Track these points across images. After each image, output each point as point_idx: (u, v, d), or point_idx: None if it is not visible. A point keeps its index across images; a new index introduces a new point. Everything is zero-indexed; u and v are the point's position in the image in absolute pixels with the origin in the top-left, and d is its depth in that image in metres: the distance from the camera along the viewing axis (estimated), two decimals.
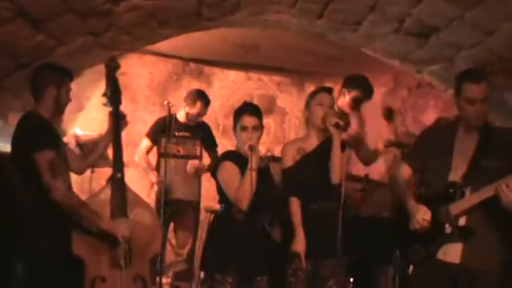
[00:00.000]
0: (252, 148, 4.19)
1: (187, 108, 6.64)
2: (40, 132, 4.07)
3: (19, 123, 4.16)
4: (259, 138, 4.38)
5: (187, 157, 6.64)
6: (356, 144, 5.51)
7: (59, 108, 4.28)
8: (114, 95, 4.41)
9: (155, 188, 6.48)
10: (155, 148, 6.72)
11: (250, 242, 4.25)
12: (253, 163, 4.18)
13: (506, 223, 3.91)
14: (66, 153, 4.33)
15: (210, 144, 6.80)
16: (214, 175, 4.43)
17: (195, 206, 6.70)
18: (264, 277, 4.36)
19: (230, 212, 4.33)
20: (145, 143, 6.68)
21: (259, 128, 4.39)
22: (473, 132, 3.98)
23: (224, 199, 4.41)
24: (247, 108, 4.43)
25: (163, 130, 6.46)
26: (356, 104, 5.85)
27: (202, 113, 6.71)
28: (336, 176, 4.41)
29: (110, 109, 4.42)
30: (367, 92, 5.88)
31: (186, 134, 6.66)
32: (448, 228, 3.92)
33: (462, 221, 3.90)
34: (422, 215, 3.96)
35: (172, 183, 6.49)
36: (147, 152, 6.68)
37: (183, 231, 6.82)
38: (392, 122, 6.08)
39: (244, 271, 4.25)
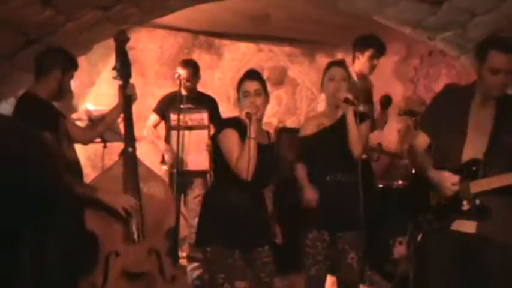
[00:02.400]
0: (249, 116, 4.05)
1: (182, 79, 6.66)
2: (34, 114, 4.02)
3: (17, 104, 4.16)
4: (263, 105, 4.23)
5: (196, 128, 6.63)
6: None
7: (60, 93, 4.27)
8: (124, 68, 4.40)
9: (166, 158, 6.50)
10: (163, 123, 6.73)
11: (243, 215, 4.15)
12: (251, 131, 4.05)
13: None
14: (67, 129, 4.32)
15: (215, 116, 6.78)
16: (214, 142, 4.34)
17: (204, 175, 6.70)
18: (265, 247, 4.28)
19: (224, 185, 4.26)
20: (153, 118, 6.71)
21: (262, 93, 4.23)
22: (490, 102, 3.87)
23: (220, 169, 4.34)
24: (248, 74, 4.33)
25: (169, 105, 6.54)
26: (372, 62, 5.87)
27: (192, 77, 6.66)
28: (355, 150, 4.39)
29: (120, 82, 4.41)
30: (379, 48, 5.94)
31: (191, 106, 6.65)
32: (465, 206, 3.85)
33: (478, 200, 3.85)
34: (451, 181, 3.89)
35: (182, 155, 6.52)
36: (155, 126, 6.69)
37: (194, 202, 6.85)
38: (385, 112, 5.99)
39: (238, 242, 4.14)
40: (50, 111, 4.21)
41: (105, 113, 4.82)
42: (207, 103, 6.76)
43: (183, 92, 6.62)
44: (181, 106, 6.48)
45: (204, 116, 6.65)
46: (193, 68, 6.71)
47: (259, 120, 4.22)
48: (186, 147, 6.56)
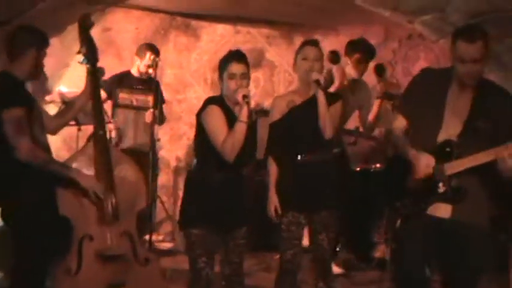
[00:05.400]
0: (247, 99, 4.04)
1: (138, 61, 6.81)
2: (10, 91, 4.05)
3: None
4: (247, 87, 4.19)
5: (140, 108, 6.78)
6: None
7: (37, 70, 4.23)
8: (90, 52, 4.36)
9: (113, 135, 6.65)
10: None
11: (226, 195, 4.14)
12: (245, 115, 4.04)
13: (495, 182, 3.86)
14: (40, 113, 4.29)
15: (158, 99, 6.90)
16: (198, 119, 4.27)
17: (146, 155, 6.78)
18: (242, 229, 4.28)
19: (206, 165, 4.22)
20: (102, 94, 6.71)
21: (247, 76, 4.21)
22: (468, 89, 3.86)
23: (201, 150, 4.29)
24: (235, 55, 4.24)
25: (118, 83, 6.77)
26: (360, 66, 5.92)
27: (153, 63, 6.80)
28: (326, 131, 4.34)
29: (87, 66, 4.36)
30: (367, 52, 6.07)
31: (140, 87, 6.83)
32: (441, 188, 3.85)
33: (454, 181, 3.84)
34: (426, 161, 3.87)
35: (127, 133, 6.77)
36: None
37: None
38: (383, 77, 6.06)
39: (217, 224, 4.14)
40: (23, 91, 4.17)
41: (73, 98, 4.80)
42: (154, 84, 6.86)
43: (135, 74, 6.83)
44: (130, 86, 6.80)
45: (149, 98, 6.79)
46: (157, 54, 6.89)
47: None
48: (132, 126, 6.78)
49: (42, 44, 4.24)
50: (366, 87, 6.29)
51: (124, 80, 6.81)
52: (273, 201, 4.43)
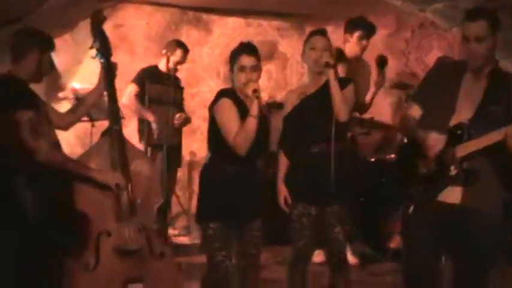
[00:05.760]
0: (257, 93, 4.02)
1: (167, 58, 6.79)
2: (18, 93, 4.02)
3: None
4: (258, 80, 4.19)
5: (169, 104, 6.76)
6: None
7: (39, 74, 4.21)
8: (103, 46, 4.36)
9: (154, 127, 6.62)
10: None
11: (241, 188, 4.15)
12: (255, 109, 4.03)
13: (507, 165, 3.84)
14: (48, 111, 4.27)
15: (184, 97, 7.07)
16: (210, 111, 4.28)
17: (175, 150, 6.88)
18: (257, 221, 4.28)
19: (219, 158, 4.23)
20: (133, 88, 6.75)
21: (258, 68, 4.20)
22: (481, 77, 3.86)
23: (214, 140, 4.30)
24: (245, 48, 4.24)
25: (148, 77, 6.73)
26: (362, 42, 5.87)
27: (182, 60, 6.86)
28: (341, 114, 4.29)
29: (101, 61, 4.36)
30: (368, 28, 6.04)
31: (168, 82, 6.77)
32: (453, 171, 3.84)
33: (466, 164, 3.83)
34: (434, 137, 3.84)
35: (157, 128, 6.74)
36: (136, 97, 6.72)
37: None
38: (382, 70, 6.01)
39: (234, 217, 4.16)
40: (30, 92, 4.15)
41: (86, 94, 4.79)
42: (179, 81, 6.97)
43: (163, 69, 6.79)
44: (159, 82, 6.73)
45: (177, 96, 6.88)
46: (187, 51, 6.92)
47: None
48: (162, 121, 6.73)
49: (46, 46, 4.20)
50: (367, 65, 6.24)
51: (154, 74, 6.79)
52: (282, 191, 4.44)
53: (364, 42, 5.98)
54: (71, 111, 4.66)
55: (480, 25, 3.70)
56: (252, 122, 4.03)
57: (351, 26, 6.01)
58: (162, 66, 6.83)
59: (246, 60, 4.15)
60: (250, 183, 4.22)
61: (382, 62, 5.95)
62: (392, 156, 6.42)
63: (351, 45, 5.98)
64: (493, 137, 3.68)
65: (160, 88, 6.77)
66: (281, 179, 4.48)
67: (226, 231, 4.14)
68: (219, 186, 4.17)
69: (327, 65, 4.32)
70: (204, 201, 4.27)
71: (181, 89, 7.03)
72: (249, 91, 4.04)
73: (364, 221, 6.27)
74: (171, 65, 6.75)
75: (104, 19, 4.43)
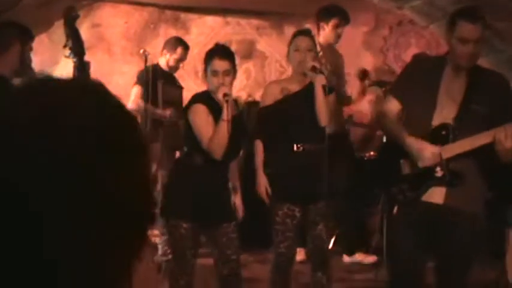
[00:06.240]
0: (227, 98, 3.96)
1: (168, 56, 6.61)
2: None
3: None
4: (231, 83, 4.14)
5: (175, 104, 6.58)
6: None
7: (22, 67, 4.17)
8: (76, 45, 4.30)
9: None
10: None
11: (213, 188, 4.10)
12: (227, 114, 3.97)
13: (491, 166, 3.84)
14: None
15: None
16: (185, 114, 4.23)
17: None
18: (232, 223, 4.22)
19: (193, 157, 4.18)
20: (137, 89, 6.50)
21: (231, 72, 4.14)
22: (462, 73, 3.85)
23: (189, 142, 4.26)
24: (218, 52, 4.18)
25: (158, 77, 6.43)
26: (337, 30, 5.86)
27: (183, 58, 6.72)
28: (323, 119, 4.32)
29: (74, 60, 4.31)
30: (344, 16, 5.96)
31: (170, 81, 6.63)
32: (439, 172, 3.82)
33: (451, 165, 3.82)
34: (431, 150, 3.83)
35: None
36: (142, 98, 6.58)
37: None
38: (363, 82, 6.03)
39: (203, 217, 4.08)
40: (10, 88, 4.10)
41: None
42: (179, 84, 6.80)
43: (165, 68, 6.62)
44: (162, 81, 6.43)
45: (180, 93, 6.68)
46: (188, 48, 6.76)
47: None
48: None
49: (26, 37, 4.17)
50: (339, 55, 6.21)
51: (161, 73, 6.51)
52: (262, 182, 4.39)
53: (339, 30, 5.93)
54: None
55: (479, 27, 3.69)
56: (223, 127, 3.97)
57: (325, 14, 5.93)
58: (163, 65, 6.66)
59: (219, 65, 4.09)
60: (220, 186, 4.19)
61: (363, 75, 5.96)
62: (372, 153, 6.45)
63: (325, 33, 5.90)
64: (480, 140, 3.66)
65: (165, 87, 6.59)
66: (260, 168, 4.43)
67: (196, 230, 4.09)
68: (188, 185, 4.11)
69: (314, 69, 4.32)
70: (173, 197, 4.20)
71: (181, 88, 6.88)
72: (220, 95, 3.99)
73: (347, 218, 6.28)
74: (172, 63, 6.61)
75: (77, 16, 4.36)
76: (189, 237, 4.07)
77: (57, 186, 0.80)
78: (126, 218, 0.87)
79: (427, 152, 3.80)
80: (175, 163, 4.43)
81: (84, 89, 0.91)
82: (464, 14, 3.74)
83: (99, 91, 0.91)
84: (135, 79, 6.60)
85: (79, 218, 0.81)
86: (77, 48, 4.29)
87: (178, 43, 6.69)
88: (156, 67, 6.56)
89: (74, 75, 4.31)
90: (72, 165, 0.81)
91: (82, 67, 4.30)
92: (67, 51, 4.28)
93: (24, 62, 4.20)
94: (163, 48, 6.69)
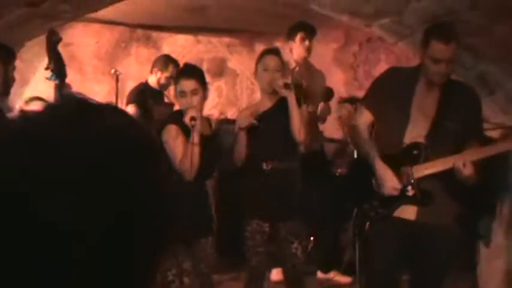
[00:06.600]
0: (193, 121, 3.97)
1: (159, 74, 6.55)
2: None
3: None
4: (201, 103, 4.15)
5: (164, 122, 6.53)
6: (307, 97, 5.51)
7: (6, 87, 4.17)
8: (58, 68, 4.30)
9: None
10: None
11: (189, 206, 4.07)
12: (195, 137, 4.00)
13: (459, 184, 3.88)
14: None
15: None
16: (159, 136, 4.25)
17: None
18: (209, 238, 4.24)
19: (170, 176, 4.19)
20: (133, 109, 6.39)
21: (200, 91, 4.13)
22: (435, 88, 3.86)
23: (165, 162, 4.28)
24: (184, 72, 4.23)
25: (151, 97, 6.40)
26: (305, 43, 5.96)
27: (174, 75, 6.60)
28: (299, 134, 4.33)
29: (56, 82, 4.31)
30: (308, 29, 6.04)
31: (160, 99, 6.59)
32: (410, 191, 3.84)
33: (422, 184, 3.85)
34: (393, 184, 3.87)
35: None
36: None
37: None
38: (327, 104, 6.11)
39: (183, 235, 4.05)
40: None
41: None
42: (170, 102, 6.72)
43: (155, 86, 6.55)
44: (153, 99, 6.39)
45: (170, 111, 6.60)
46: (178, 66, 6.57)
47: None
48: None
49: (8, 57, 4.19)
50: (318, 71, 6.28)
51: (154, 93, 6.46)
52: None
53: (307, 42, 5.99)
54: None
55: (452, 47, 3.69)
56: (193, 150, 3.99)
57: (291, 31, 6.03)
58: (153, 83, 6.59)
59: (185, 85, 4.10)
60: (199, 202, 4.20)
61: (328, 94, 6.01)
62: (340, 170, 6.48)
63: (295, 49, 5.98)
64: (447, 163, 3.71)
65: (156, 106, 6.50)
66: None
67: (177, 249, 4.09)
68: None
69: (286, 86, 4.34)
70: None
71: (172, 105, 6.81)
72: (187, 119, 4.00)
73: (319, 234, 6.30)
74: (163, 81, 6.52)
75: (59, 39, 4.38)
76: (169, 255, 4.07)
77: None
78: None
79: (388, 183, 3.85)
80: None
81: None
82: (437, 33, 3.72)
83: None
84: (129, 99, 6.56)
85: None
86: (59, 70, 4.29)
87: (169, 61, 6.63)
88: (146, 86, 6.53)
89: (55, 96, 4.31)
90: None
91: (63, 89, 4.30)
92: (48, 73, 4.27)
93: (7, 83, 4.18)
94: (153, 67, 6.62)
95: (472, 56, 4.97)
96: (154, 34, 8.38)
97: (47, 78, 4.34)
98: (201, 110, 4.15)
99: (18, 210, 0.80)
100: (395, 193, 3.84)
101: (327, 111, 6.14)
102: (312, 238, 6.01)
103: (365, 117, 4.04)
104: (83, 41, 8.11)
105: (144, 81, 6.58)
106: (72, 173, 0.81)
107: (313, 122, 5.78)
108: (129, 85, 7.87)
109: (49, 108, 0.90)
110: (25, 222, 0.79)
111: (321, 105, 6.10)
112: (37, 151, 0.82)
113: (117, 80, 6.50)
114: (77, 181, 0.81)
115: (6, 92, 4.27)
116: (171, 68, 6.56)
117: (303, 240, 4.48)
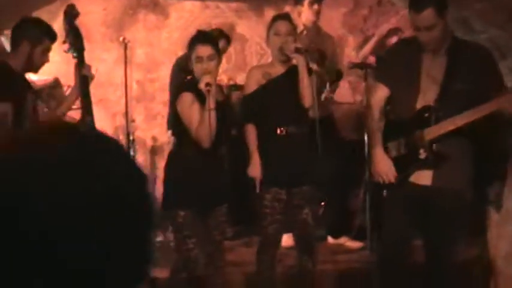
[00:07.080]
0: (209, 87, 4.00)
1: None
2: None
3: None
4: (216, 68, 4.18)
5: None
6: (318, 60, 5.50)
7: (32, 66, 4.18)
8: (76, 41, 4.29)
9: None
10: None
11: (206, 175, 4.15)
12: (211, 102, 4.02)
13: (474, 145, 3.88)
14: (36, 106, 4.22)
15: None
16: (172, 106, 4.26)
17: None
18: (223, 206, 4.29)
19: (184, 147, 4.24)
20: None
21: (215, 57, 4.17)
22: (440, 52, 3.87)
23: (178, 132, 4.29)
24: (200, 37, 4.23)
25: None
26: (314, 6, 5.98)
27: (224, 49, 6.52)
28: (306, 100, 4.33)
29: (74, 55, 4.29)
30: None
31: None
32: (422, 154, 3.86)
33: (435, 146, 3.86)
34: (386, 172, 3.90)
35: None
36: None
37: None
38: (336, 83, 6.10)
39: (200, 204, 4.15)
40: (18, 84, 4.09)
41: (50, 83, 4.73)
42: None
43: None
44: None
45: None
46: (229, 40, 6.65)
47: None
48: None
49: (39, 38, 4.16)
50: (328, 35, 6.26)
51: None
52: (256, 166, 4.38)
53: (315, 6, 5.99)
54: (47, 114, 4.59)
55: (426, 15, 3.68)
56: (210, 115, 4.01)
57: None
58: None
59: (201, 51, 4.11)
60: (215, 170, 4.22)
61: (338, 75, 6.00)
62: (354, 135, 6.47)
63: (304, 13, 5.99)
64: (461, 121, 3.70)
65: None
66: (255, 152, 4.41)
67: (195, 218, 4.13)
68: (184, 173, 4.17)
69: (297, 50, 4.33)
70: (170, 188, 4.26)
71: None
72: (202, 85, 4.01)
73: (330, 200, 6.32)
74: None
75: (77, 14, 4.37)
76: (187, 224, 4.09)
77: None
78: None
79: (381, 171, 3.93)
80: (169, 156, 4.45)
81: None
82: (412, 4, 3.76)
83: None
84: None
85: None
86: (77, 43, 4.28)
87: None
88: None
89: (75, 77, 4.29)
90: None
91: (82, 61, 4.29)
92: (66, 47, 4.27)
93: (33, 62, 4.18)
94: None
95: (481, 21, 4.93)
96: (162, 0, 8.32)
97: (65, 51, 4.33)
98: (215, 76, 4.14)
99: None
100: (391, 180, 3.86)
101: (335, 88, 6.13)
102: (322, 203, 6.01)
103: (380, 92, 4.08)
104: (90, 8, 8.04)
105: None
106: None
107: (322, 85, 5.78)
108: (138, 52, 7.87)
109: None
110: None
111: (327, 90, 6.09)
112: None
113: (125, 48, 6.48)
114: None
115: (32, 70, 4.29)
116: (222, 42, 6.38)
117: (314, 206, 4.49)
